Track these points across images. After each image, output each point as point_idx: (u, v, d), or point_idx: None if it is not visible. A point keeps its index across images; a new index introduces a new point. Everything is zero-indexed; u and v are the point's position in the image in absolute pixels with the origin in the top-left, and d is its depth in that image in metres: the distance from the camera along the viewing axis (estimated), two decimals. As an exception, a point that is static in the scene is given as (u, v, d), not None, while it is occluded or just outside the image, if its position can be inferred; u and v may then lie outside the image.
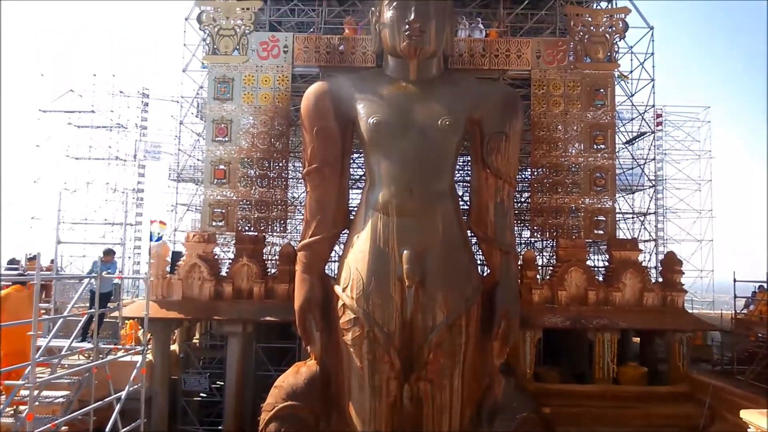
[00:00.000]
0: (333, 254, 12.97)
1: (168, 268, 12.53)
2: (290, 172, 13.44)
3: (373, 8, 10.65)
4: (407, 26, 9.63)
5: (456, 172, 13.41)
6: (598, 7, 14.04)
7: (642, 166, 16.09)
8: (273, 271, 12.95)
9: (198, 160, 16.50)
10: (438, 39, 10.01)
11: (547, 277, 14.33)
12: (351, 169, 12.49)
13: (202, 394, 12.97)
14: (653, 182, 16.69)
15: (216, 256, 13.20)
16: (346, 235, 10.48)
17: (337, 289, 9.62)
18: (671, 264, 12.50)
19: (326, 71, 12.65)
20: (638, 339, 13.60)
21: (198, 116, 16.51)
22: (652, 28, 14.34)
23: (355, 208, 10.51)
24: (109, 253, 10.85)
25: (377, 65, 11.32)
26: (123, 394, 8.92)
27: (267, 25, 13.70)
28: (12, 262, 11.20)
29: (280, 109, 12.68)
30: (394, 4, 9.84)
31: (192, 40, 14.10)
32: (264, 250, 13.48)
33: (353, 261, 9.55)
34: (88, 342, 9.87)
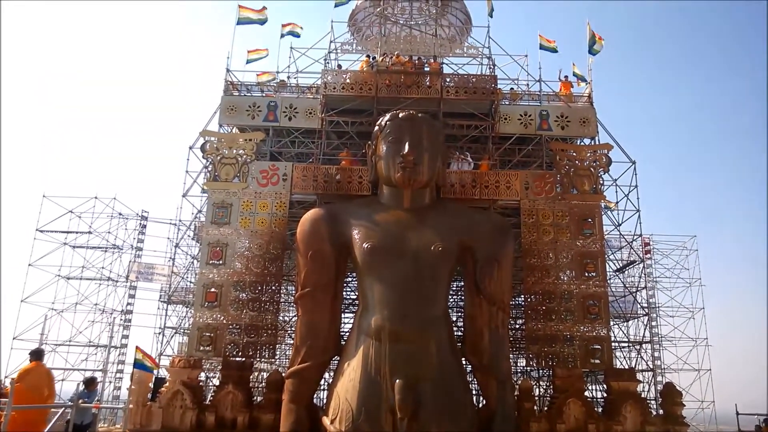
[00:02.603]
0: (323, 382, 12.54)
1: (149, 395, 12.00)
2: (282, 295, 13.37)
3: (369, 142, 11.29)
4: (401, 159, 10.15)
5: (450, 297, 13.38)
6: (582, 143, 14.84)
7: (634, 294, 16.15)
8: (259, 398, 12.39)
9: (190, 282, 16.46)
10: (430, 170, 10.50)
11: (545, 408, 13.78)
12: (344, 293, 12.46)
13: None
14: (646, 310, 16.65)
15: (201, 383, 12.71)
16: (336, 361, 10.21)
17: (325, 420, 9.18)
18: (671, 395, 12.08)
19: (323, 198, 13.06)
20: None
21: (194, 239, 16.74)
22: (634, 162, 15.12)
23: (347, 333, 10.33)
24: (91, 382, 10.60)
25: (372, 193, 11.72)
26: None
27: (268, 154, 14.32)
28: None
29: (277, 234, 12.89)
30: (390, 138, 10.45)
31: (194, 167, 14.71)
32: (251, 377, 13.02)
33: (343, 390, 9.19)
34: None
